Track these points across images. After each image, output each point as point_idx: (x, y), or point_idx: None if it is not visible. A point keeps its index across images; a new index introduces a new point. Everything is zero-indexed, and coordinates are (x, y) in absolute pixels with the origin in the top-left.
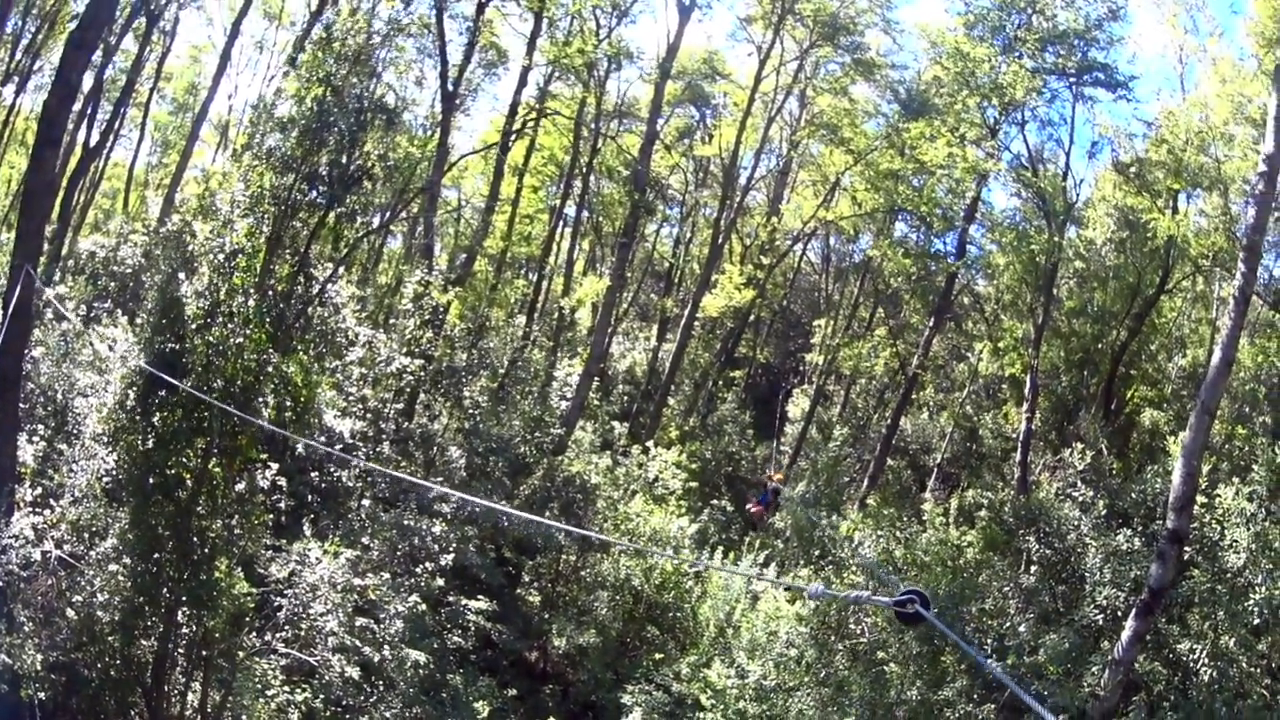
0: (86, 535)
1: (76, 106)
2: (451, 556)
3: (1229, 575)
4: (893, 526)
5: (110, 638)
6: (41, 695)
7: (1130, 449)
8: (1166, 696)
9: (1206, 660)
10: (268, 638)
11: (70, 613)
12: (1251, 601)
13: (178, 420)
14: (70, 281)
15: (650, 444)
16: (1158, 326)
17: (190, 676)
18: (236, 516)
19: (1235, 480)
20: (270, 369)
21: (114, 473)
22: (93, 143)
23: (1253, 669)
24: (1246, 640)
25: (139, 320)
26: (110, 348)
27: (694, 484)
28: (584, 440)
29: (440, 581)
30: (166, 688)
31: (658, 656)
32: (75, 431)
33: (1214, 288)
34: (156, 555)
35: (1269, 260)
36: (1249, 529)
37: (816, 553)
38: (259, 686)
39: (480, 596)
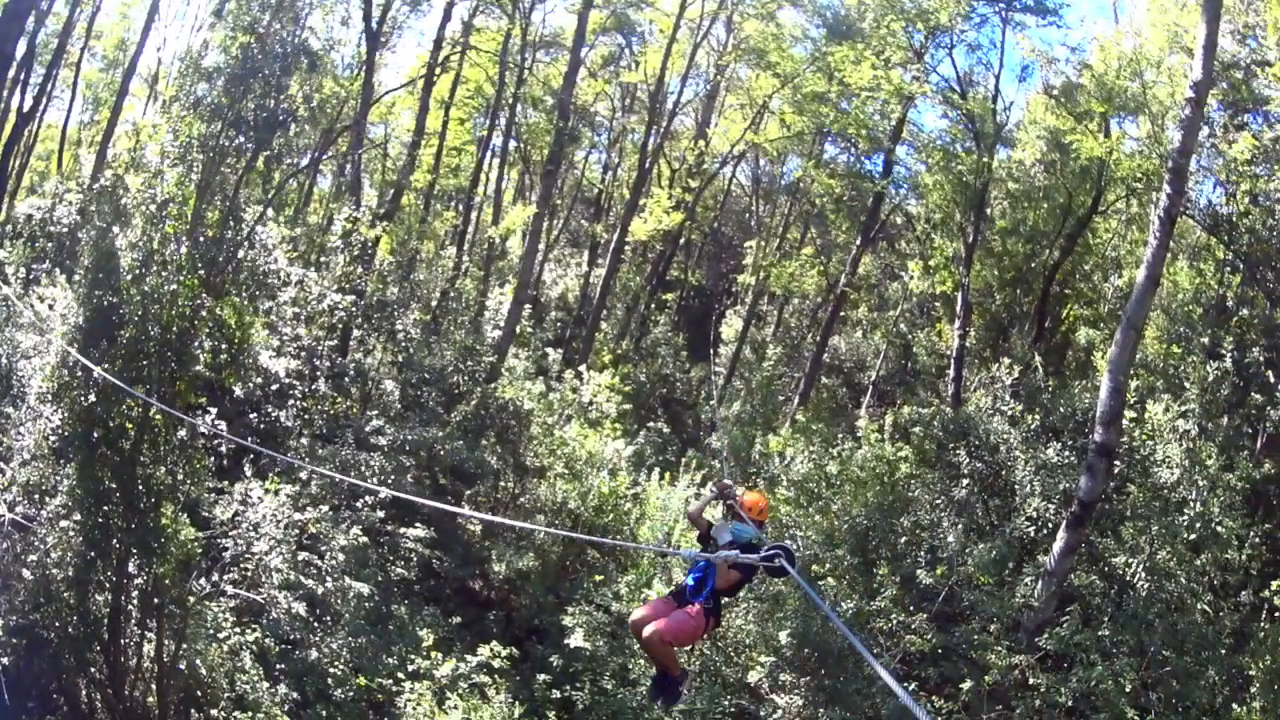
0: (37, 496)
1: (9, 74)
2: (387, 491)
3: (1163, 490)
4: (825, 442)
5: (66, 595)
6: (4, 661)
7: (1066, 367)
8: (1103, 609)
9: (1143, 574)
10: (215, 578)
11: (26, 573)
12: (1185, 517)
13: (117, 372)
14: (8, 247)
15: (584, 368)
16: (1092, 247)
17: (145, 627)
18: (179, 462)
19: (1166, 397)
20: (204, 313)
21: (59, 430)
22: (26, 108)
23: (1194, 584)
24: (1185, 556)
25: (76, 277)
26: (50, 307)
27: (629, 407)
28: (517, 368)
29: (380, 514)
30: (123, 640)
31: (598, 578)
32: (20, 394)
33: (1149, 210)
34: (104, 507)
35: (1206, 187)
36: (1181, 445)
37: (752, 471)
38: (211, 631)
39: (418, 525)
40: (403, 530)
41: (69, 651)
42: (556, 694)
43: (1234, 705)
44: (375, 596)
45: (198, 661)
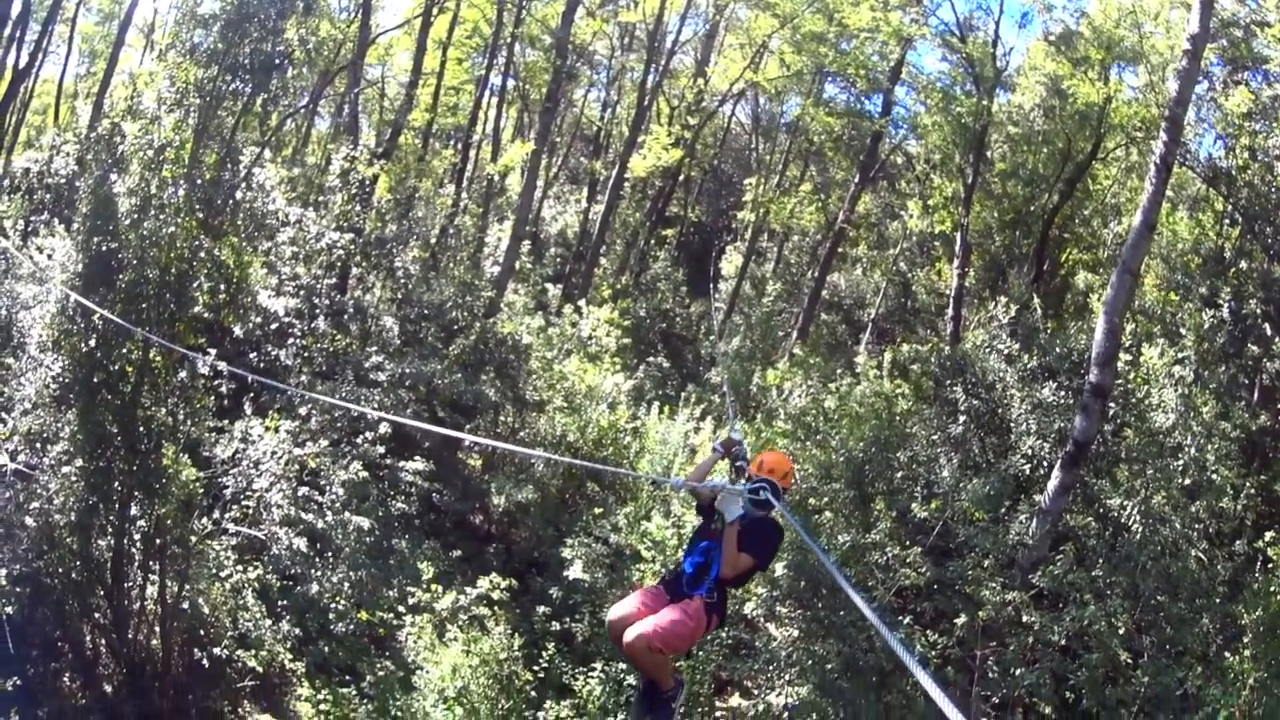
0: (39, 444)
1: (5, 31)
2: (389, 426)
3: (1158, 435)
4: (823, 377)
5: (69, 540)
6: (9, 610)
7: (1064, 310)
8: (1097, 551)
9: (1137, 518)
10: (216, 516)
11: (29, 521)
12: (1180, 462)
13: (117, 314)
14: (6, 201)
15: (583, 303)
16: (1092, 193)
17: (147, 569)
18: (179, 403)
19: (1162, 342)
20: (202, 255)
21: (60, 377)
22: (21, 64)
23: (1188, 531)
24: (1180, 502)
25: (74, 226)
26: (49, 257)
27: (628, 341)
28: (517, 303)
29: (381, 449)
30: (126, 584)
31: (597, 511)
32: (21, 344)
33: (1147, 160)
34: (105, 451)
35: (1207, 141)
36: (1176, 391)
37: (751, 405)
38: (213, 571)
39: (417, 458)
40: (401, 464)
41: (73, 597)
42: (556, 626)
43: (1226, 654)
44: (376, 531)
45: (200, 601)
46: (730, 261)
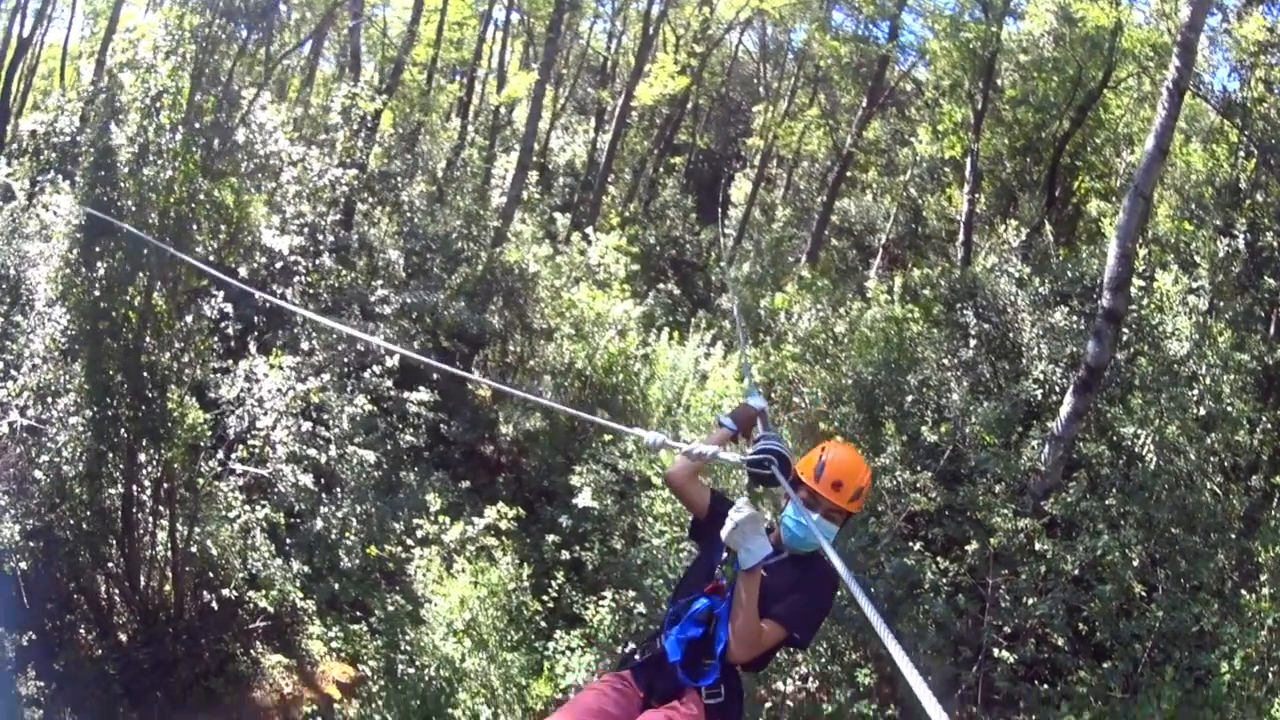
0: (48, 398)
1: (10, 4)
2: (395, 359)
3: (1173, 364)
4: (832, 301)
5: (79, 491)
6: (23, 566)
7: (1076, 237)
8: (1110, 479)
9: (1151, 447)
10: (221, 456)
11: (39, 475)
12: (1195, 392)
13: (119, 263)
14: (14, 164)
15: (590, 231)
16: (1103, 122)
17: (157, 515)
18: (184, 346)
19: (1175, 269)
20: (201, 197)
21: (67, 329)
22: (26, 33)
23: (1203, 463)
24: (1195, 433)
25: (77, 179)
26: (55, 214)
27: (637, 268)
28: (524, 232)
29: (389, 383)
30: (137, 531)
31: (606, 438)
32: (29, 302)
33: (1160, 89)
34: (112, 399)
35: (1222, 73)
36: (1191, 319)
37: (761, 330)
38: (222, 512)
39: (421, 389)
40: (406, 394)
41: (85, 548)
42: (566, 555)
43: (1243, 592)
44: (383, 464)
45: (209, 544)
46: (739, 188)
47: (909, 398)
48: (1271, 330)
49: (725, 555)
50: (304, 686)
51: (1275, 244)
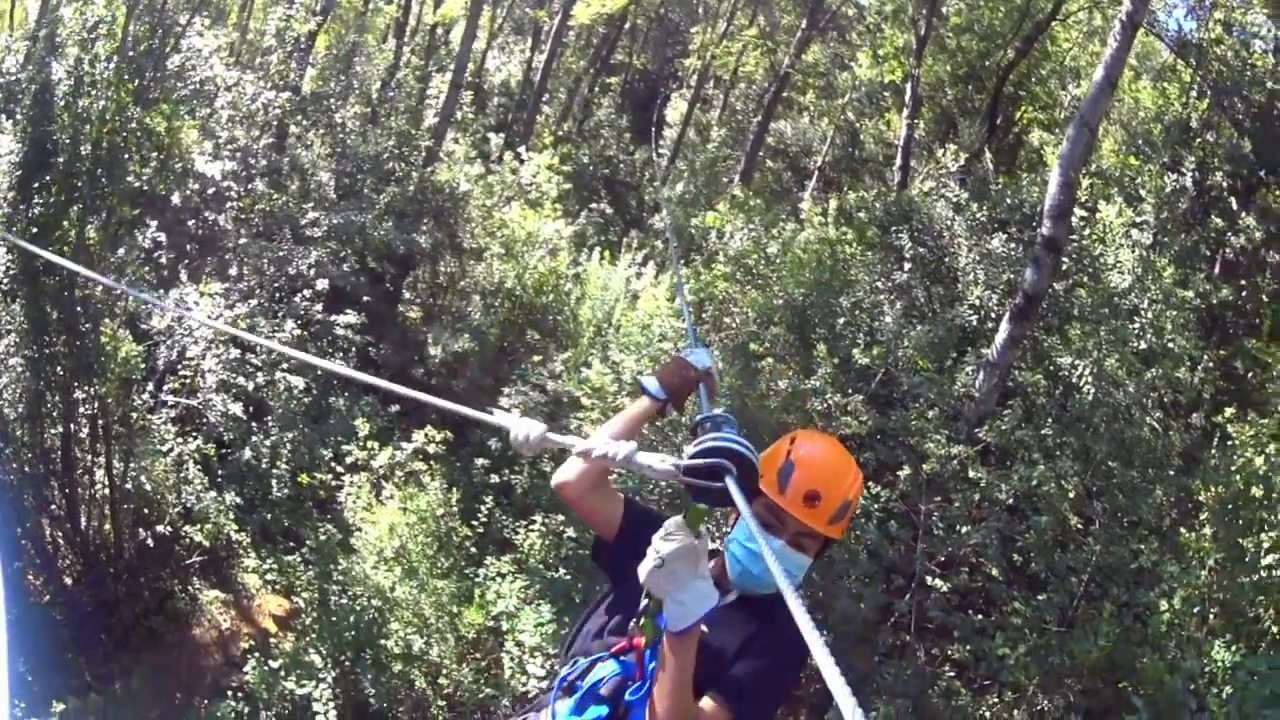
0: None
1: None
2: (326, 281)
3: (1114, 297)
4: (765, 221)
5: (20, 433)
6: None
7: (1017, 166)
8: (1046, 409)
9: (1090, 378)
10: (151, 388)
11: None
12: (1136, 326)
13: (54, 197)
14: None
15: (523, 150)
16: (1050, 54)
17: (94, 452)
18: (116, 278)
19: (1119, 201)
20: (133, 126)
21: (7, 269)
22: None
23: (1143, 398)
24: (1134, 367)
25: (17, 115)
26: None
27: (569, 187)
28: (457, 152)
29: (319, 307)
30: (77, 471)
31: (536, 359)
32: None
33: (1111, 22)
34: (49, 336)
35: (1178, 13)
36: (1133, 253)
37: (693, 249)
38: (156, 447)
39: (348, 311)
40: (334, 318)
41: (29, 491)
42: (495, 479)
43: (1182, 530)
44: (313, 390)
45: (143, 479)
46: (675, 109)
47: (841, 320)
48: (1216, 270)
49: (647, 602)
50: (241, 621)
51: (1225, 184)
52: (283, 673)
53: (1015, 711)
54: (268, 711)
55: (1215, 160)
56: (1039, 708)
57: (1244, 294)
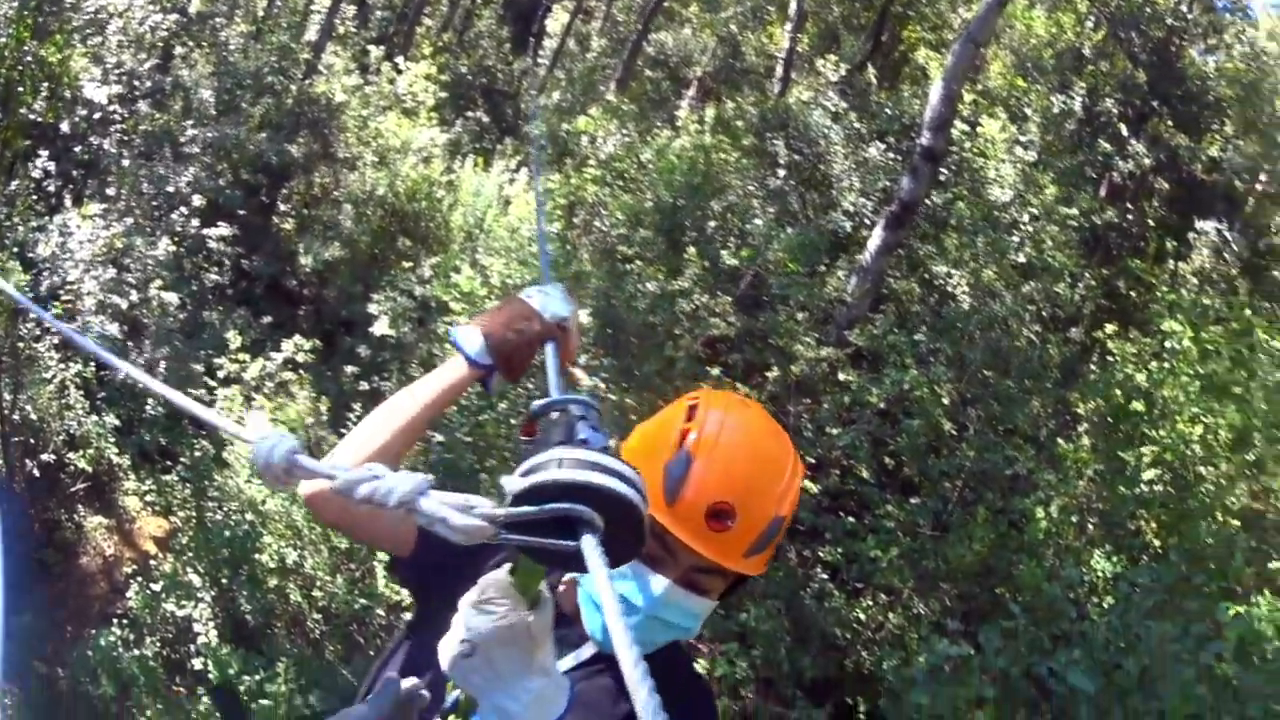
0: None
1: None
2: (202, 197)
3: (994, 209)
4: (640, 128)
5: None
6: None
7: (900, 82)
8: (920, 316)
9: (966, 288)
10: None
11: None
12: (1015, 239)
13: None
14: None
15: (401, 60)
16: None
17: None
18: (8, 210)
19: (1004, 118)
20: (29, 59)
21: None
22: None
23: (1021, 310)
24: (1013, 280)
25: None
26: None
27: (446, 96)
28: (336, 65)
29: (196, 223)
30: None
31: (406, 265)
32: None
33: None
34: None
35: None
36: (1016, 168)
37: (564, 155)
38: (41, 374)
39: (220, 224)
40: (207, 231)
41: None
42: (364, 386)
43: (1059, 440)
44: (187, 306)
45: (29, 409)
46: (557, 20)
47: (712, 223)
48: (1103, 192)
49: (456, 698)
50: (124, 546)
51: (1115, 111)
52: (164, 595)
53: (890, 615)
54: (152, 637)
55: (1107, 88)
56: (915, 612)
57: (1130, 217)
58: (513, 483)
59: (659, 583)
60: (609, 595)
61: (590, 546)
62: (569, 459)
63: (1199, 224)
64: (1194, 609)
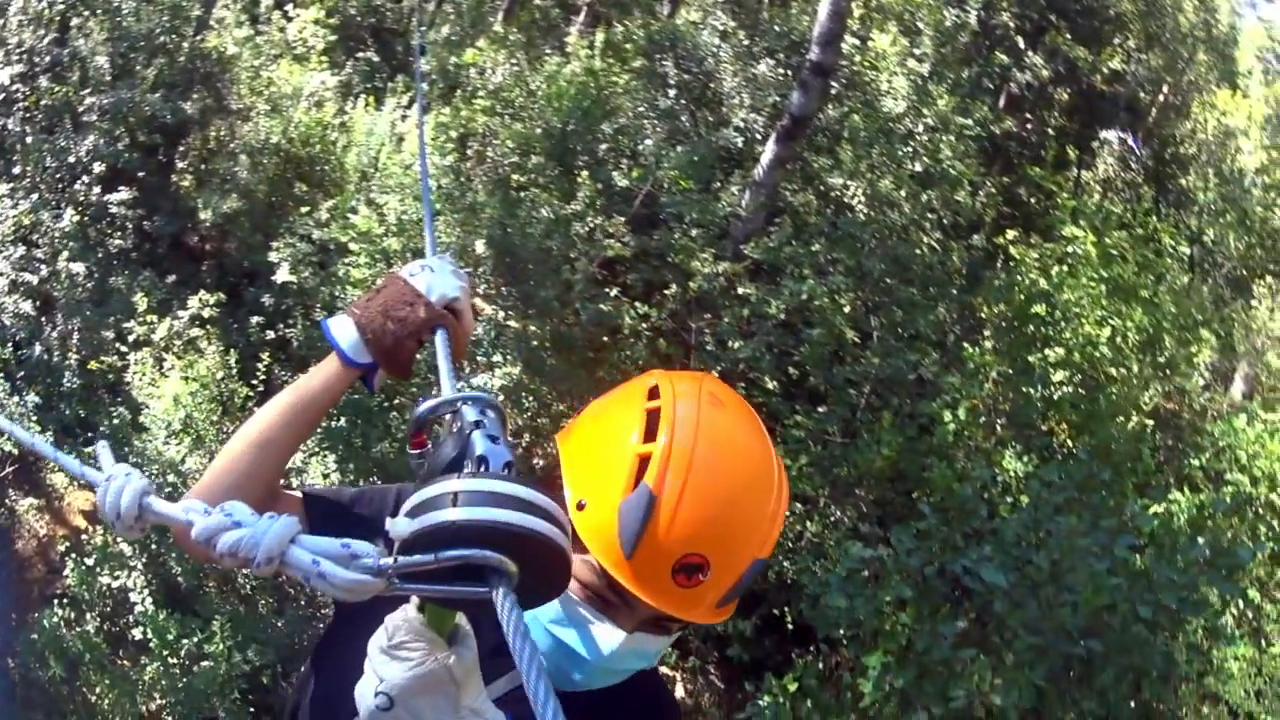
0: None
1: None
2: (103, 165)
3: (888, 121)
4: (529, 57)
5: None
6: None
7: (789, 3)
8: (817, 228)
9: (863, 199)
10: None
11: None
12: (910, 148)
13: None
14: None
15: (290, 6)
16: None
17: None
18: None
19: (895, 31)
20: None
21: None
22: None
23: (920, 219)
24: (911, 190)
25: None
26: None
27: (335, 39)
28: (227, 18)
29: (98, 190)
30: None
31: (304, 210)
32: None
33: None
34: None
35: None
36: (909, 80)
37: (452, 88)
38: None
39: (121, 188)
40: (108, 197)
41: None
42: (271, 334)
43: (965, 345)
44: (94, 274)
45: None
46: None
47: (603, 146)
48: (1001, 104)
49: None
50: (56, 524)
51: (1012, 24)
52: (98, 569)
53: (808, 523)
54: (91, 612)
55: (1004, 2)
56: (832, 518)
57: (1029, 126)
58: (401, 525)
59: (612, 635)
60: (528, 656)
61: (502, 600)
62: (464, 492)
63: (1103, 134)
64: (1103, 504)
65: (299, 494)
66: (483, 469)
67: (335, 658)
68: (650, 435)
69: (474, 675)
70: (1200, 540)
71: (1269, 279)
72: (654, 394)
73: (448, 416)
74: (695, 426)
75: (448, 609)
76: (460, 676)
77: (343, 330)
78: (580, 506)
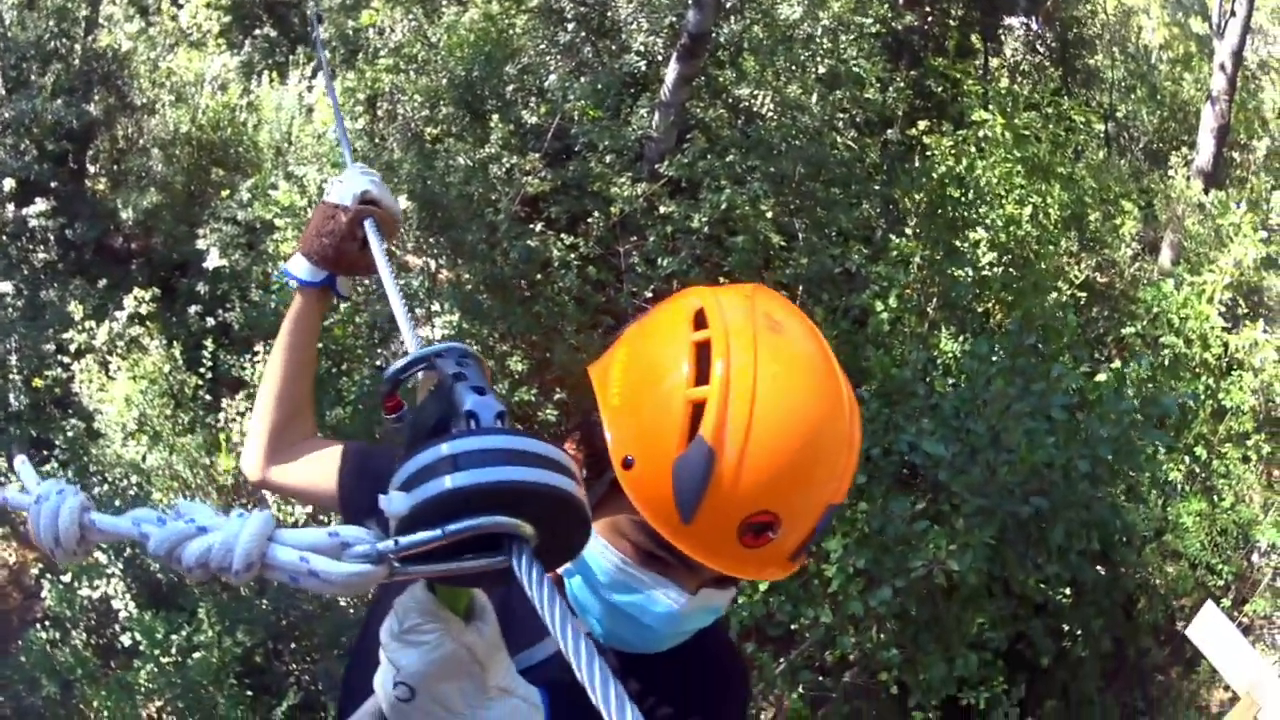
0: None
1: None
2: (13, 180)
3: (787, 28)
4: (426, 11)
5: None
6: None
7: None
8: (730, 139)
9: (772, 106)
10: None
11: None
12: (811, 51)
13: None
14: None
15: None
16: None
17: None
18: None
19: None
20: None
21: None
22: None
23: (832, 119)
24: (820, 92)
25: None
26: None
27: (229, 19)
28: (116, 14)
29: (11, 206)
30: None
31: (225, 193)
32: None
33: None
34: None
35: None
36: None
37: (353, 53)
38: None
39: (37, 200)
40: (25, 210)
41: None
42: (211, 321)
43: (892, 237)
44: (23, 291)
45: None
46: None
47: (510, 87)
48: (901, 2)
49: None
50: (24, 549)
51: None
52: (76, 583)
53: None
54: (76, 628)
55: None
56: None
57: (930, 19)
58: (396, 502)
59: (676, 598)
60: (562, 621)
61: (526, 566)
62: (463, 453)
63: (1006, 20)
64: (1033, 370)
65: (339, 446)
66: (474, 425)
67: (363, 651)
68: (702, 376)
69: (498, 651)
70: (1131, 395)
71: (1184, 149)
72: (700, 321)
73: (421, 375)
74: (754, 361)
75: (463, 586)
76: (483, 655)
77: (297, 265)
78: (626, 464)
